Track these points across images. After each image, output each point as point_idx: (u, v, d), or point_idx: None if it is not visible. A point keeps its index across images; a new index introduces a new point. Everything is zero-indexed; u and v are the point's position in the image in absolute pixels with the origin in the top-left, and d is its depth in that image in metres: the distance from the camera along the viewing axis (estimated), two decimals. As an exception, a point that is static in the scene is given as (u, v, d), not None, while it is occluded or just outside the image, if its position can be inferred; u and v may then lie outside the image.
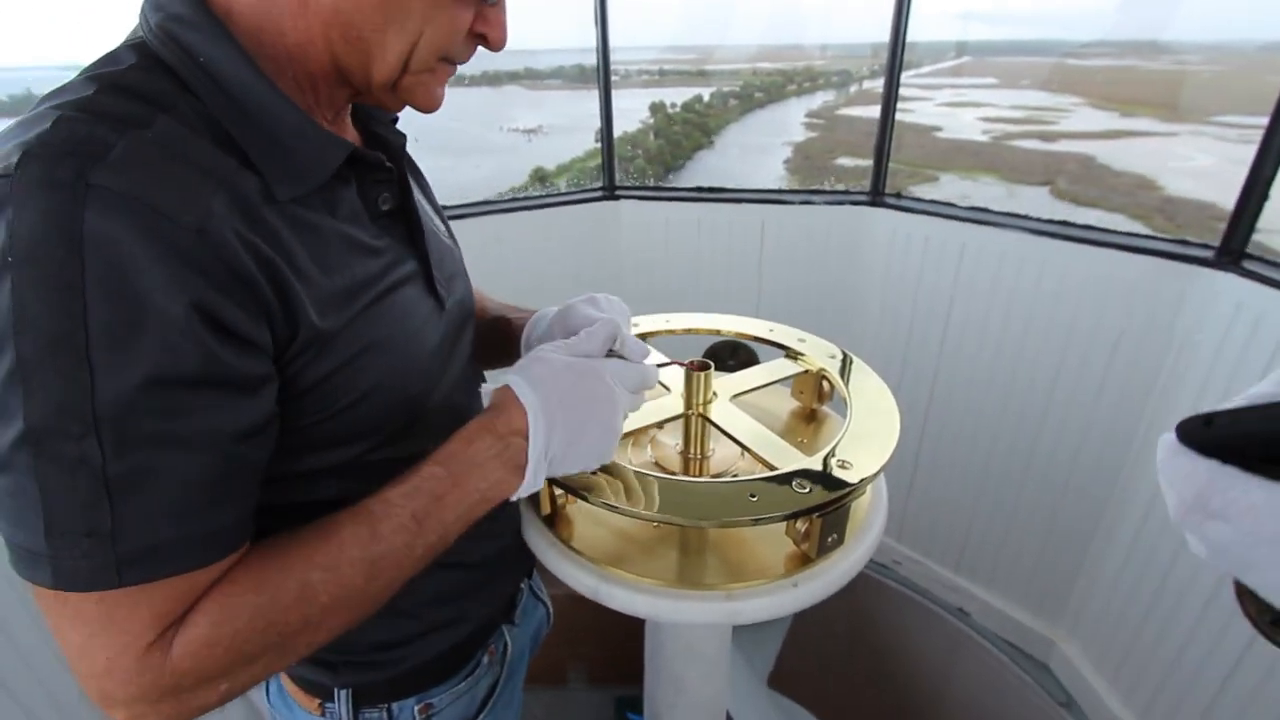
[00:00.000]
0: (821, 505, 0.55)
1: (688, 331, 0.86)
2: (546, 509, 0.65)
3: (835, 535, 0.59)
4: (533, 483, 0.50)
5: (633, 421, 0.70)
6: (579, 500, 0.61)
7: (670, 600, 0.58)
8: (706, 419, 0.70)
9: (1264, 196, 1.18)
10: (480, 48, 0.51)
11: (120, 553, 0.36)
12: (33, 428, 0.34)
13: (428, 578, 0.49)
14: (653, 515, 0.54)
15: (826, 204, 1.70)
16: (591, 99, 1.78)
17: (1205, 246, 1.25)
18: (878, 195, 1.69)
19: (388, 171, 0.53)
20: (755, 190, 1.77)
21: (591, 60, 1.74)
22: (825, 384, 0.79)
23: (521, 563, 0.72)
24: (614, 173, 1.83)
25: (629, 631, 0.78)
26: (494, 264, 1.66)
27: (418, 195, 0.60)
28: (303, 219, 0.45)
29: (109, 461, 0.35)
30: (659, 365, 0.63)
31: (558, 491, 0.64)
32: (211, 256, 0.37)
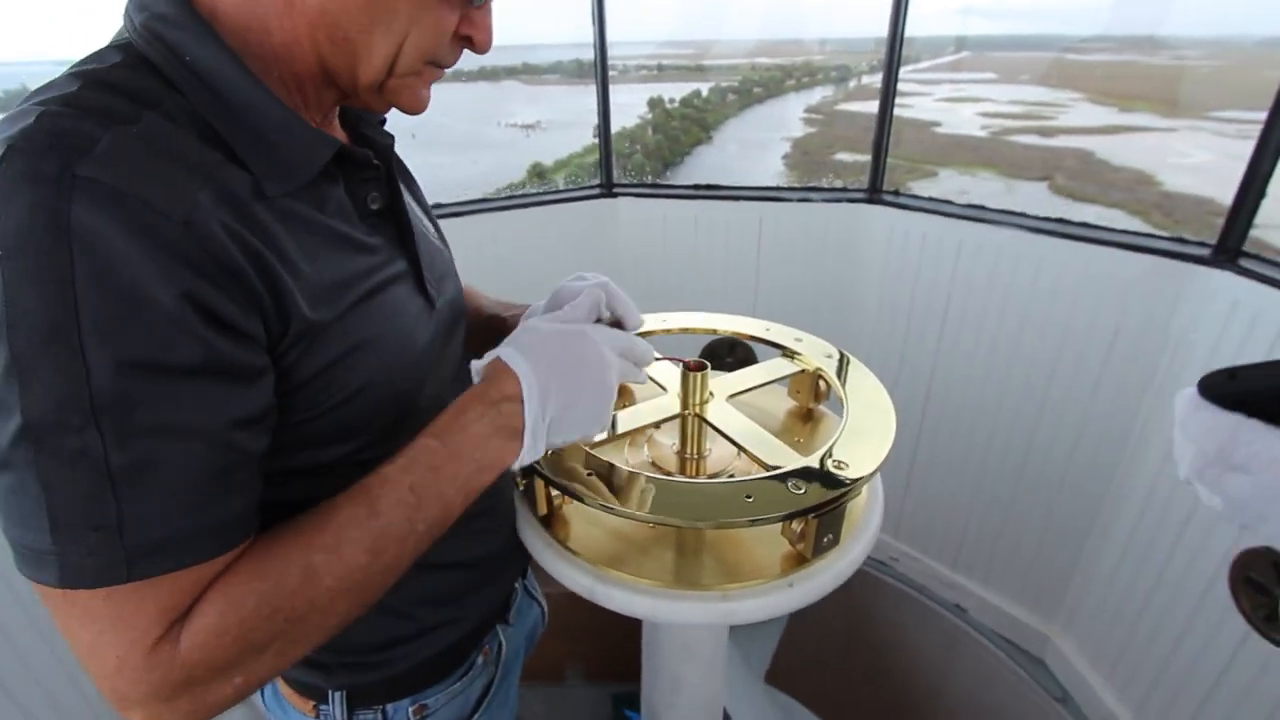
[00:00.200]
0: (817, 506, 0.55)
1: (684, 331, 0.86)
2: (543, 509, 0.65)
3: (831, 536, 0.59)
4: (532, 447, 0.49)
5: (629, 421, 0.70)
6: (575, 501, 0.61)
7: (666, 601, 0.58)
8: (703, 419, 0.70)
9: (1261, 193, 1.18)
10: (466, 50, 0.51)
11: (128, 547, 0.36)
12: (31, 422, 0.34)
13: (421, 578, 0.49)
14: (648, 516, 0.54)
15: (824, 201, 1.70)
16: (590, 94, 1.77)
17: (1202, 245, 1.25)
18: (875, 193, 1.69)
19: (375, 170, 0.53)
20: (753, 188, 1.77)
21: (590, 55, 1.74)
22: (822, 383, 0.79)
23: (516, 562, 0.72)
24: (611, 170, 1.82)
25: (626, 630, 0.78)
26: (491, 262, 1.66)
27: (407, 196, 0.59)
28: (291, 213, 0.44)
29: (110, 453, 0.35)
30: (657, 358, 0.63)
31: (554, 492, 0.64)
32: (199, 249, 0.37)
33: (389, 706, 0.62)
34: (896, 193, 1.68)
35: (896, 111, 1.67)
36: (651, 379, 0.80)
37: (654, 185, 1.86)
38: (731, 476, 0.69)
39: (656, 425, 0.72)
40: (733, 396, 0.74)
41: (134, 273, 0.34)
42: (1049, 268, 1.41)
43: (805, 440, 0.77)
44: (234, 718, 1.26)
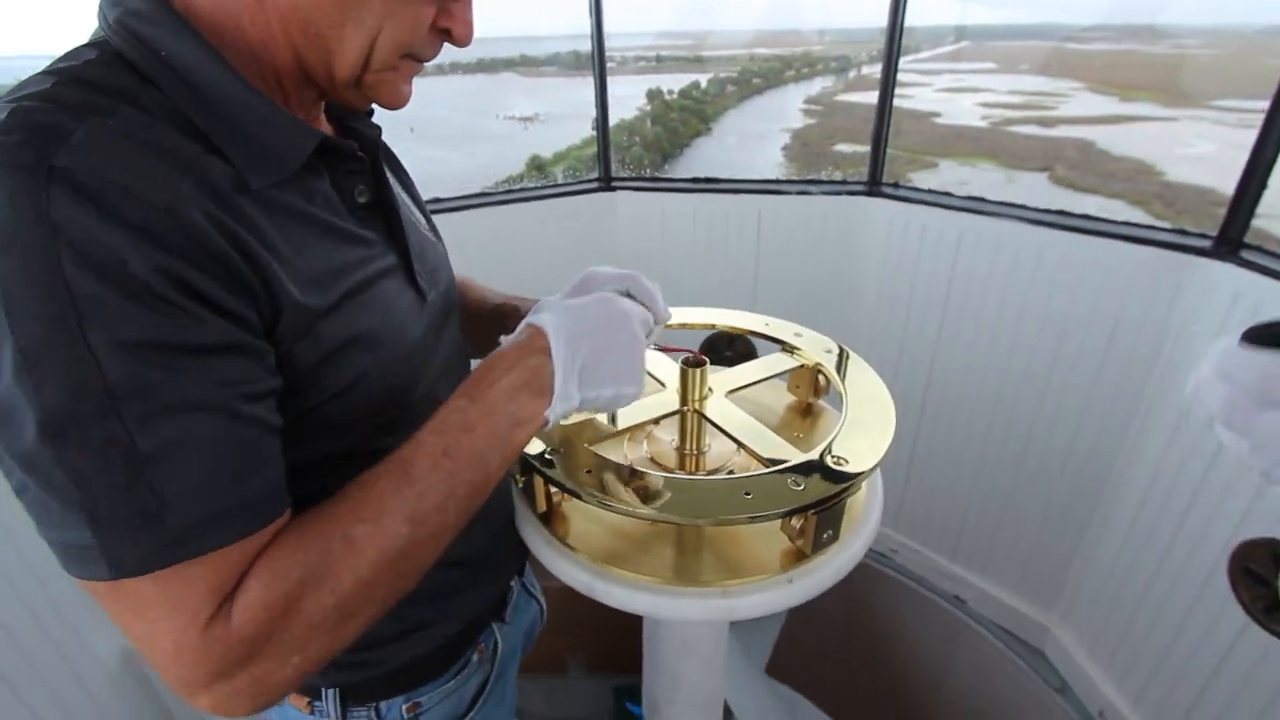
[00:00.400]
0: (816, 503, 0.55)
1: (683, 326, 0.85)
2: (542, 506, 0.65)
3: (831, 531, 0.59)
4: (564, 397, 0.48)
5: (629, 417, 0.70)
6: (573, 498, 0.61)
7: (666, 597, 0.58)
8: (702, 415, 0.70)
9: (1263, 184, 1.17)
10: (447, 44, 0.50)
11: (171, 528, 0.36)
12: (51, 418, 0.33)
13: None
14: (648, 513, 0.54)
15: (823, 194, 1.69)
16: (588, 85, 1.76)
17: (1203, 236, 1.25)
18: (875, 185, 1.68)
19: (360, 162, 0.52)
20: (752, 181, 1.76)
21: (588, 46, 1.72)
22: (821, 379, 0.79)
23: (512, 560, 0.72)
24: (609, 163, 1.81)
25: (627, 624, 0.78)
26: (490, 256, 1.65)
27: (397, 188, 0.59)
28: (277, 205, 0.44)
29: (136, 437, 0.35)
30: (658, 346, 0.63)
31: (552, 489, 0.64)
32: (182, 234, 0.36)
33: (382, 704, 0.62)
34: (896, 185, 1.67)
35: (896, 102, 1.66)
36: (650, 375, 0.80)
37: (652, 178, 1.85)
38: (731, 472, 0.69)
39: (656, 421, 0.72)
40: (732, 392, 0.74)
41: (122, 257, 0.34)
42: (1049, 260, 1.40)
43: (805, 436, 0.77)
44: (237, 713, 1.28)
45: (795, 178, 1.78)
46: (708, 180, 1.78)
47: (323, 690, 0.61)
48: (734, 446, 0.68)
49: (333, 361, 0.46)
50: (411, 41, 0.47)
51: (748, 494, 0.55)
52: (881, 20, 1.57)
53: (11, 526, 0.99)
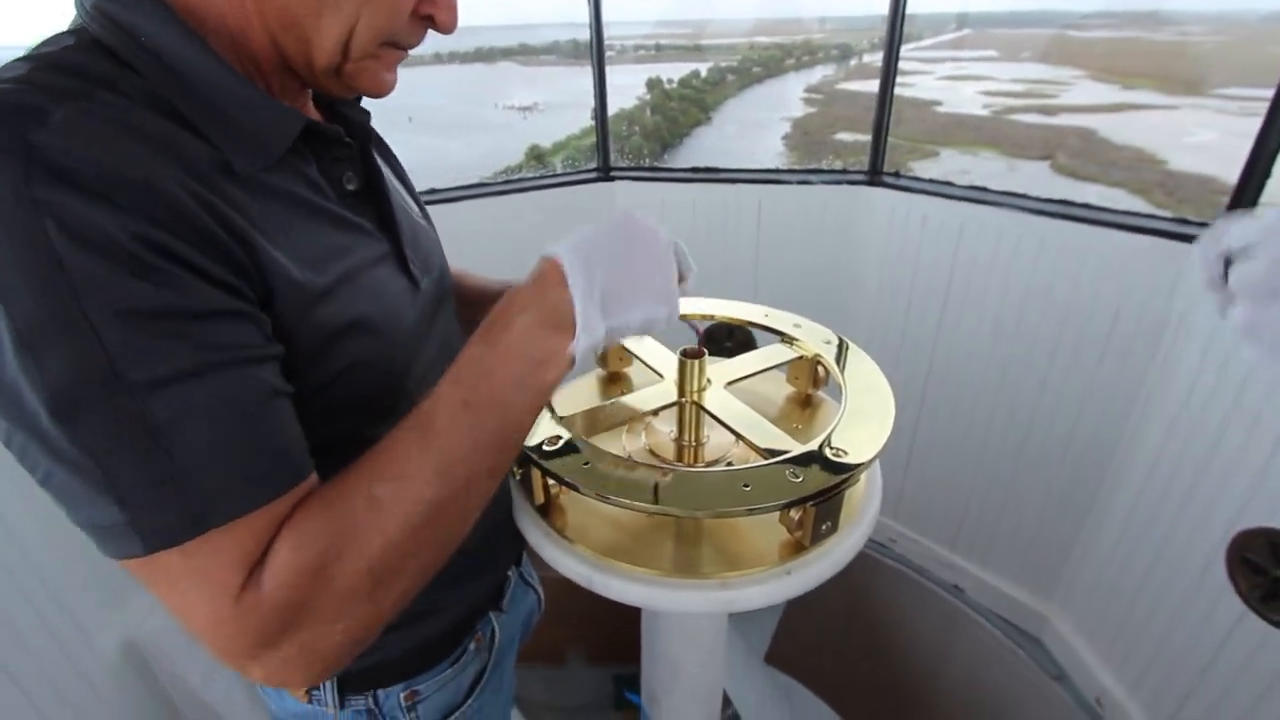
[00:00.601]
0: (815, 495, 0.55)
1: (683, 317, 0.85)
2: (540, 499, 0.65)
3: (829, 523, 0.59)
4: (587, 328, 0.45)
5: (627, 407, 0.69)
6: (572, 490, 0.61)
7: (665, 590, 0.58)
8: (700, 406, 0.69)
9: (1267, 172, 1.16)
10: (431, 30, 0.49)
11: (195, 496, 0.35)
12: (59, 396, 0.33)
13: None
14: (646, 506, 0.54)
15: (824, 183, 1.68)
16: (588, 74, 1.74)
17: (1204, 225, 1.24)
18: (876, 174, 1.67)
19: (348, 148, 0.52)
20: (751, 170, 1.75)
21: (587, 35, 1.71)
22: (820, 369, 0.79)
23: (509, 550, 0.72)
24: (609, 153, 1.80)
25: (626, 614, 0.79)
26: (488, 248, 1.64)
27: (389, 175, 0.58)
28: (263, 187, 0.43)
29: (146, 407, 0.34)
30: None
31: (550, 481, 0.64)
32: (163, 207, 0.36)
33: (380, 692, 0.62)
34: (897, 174, 1.66)
35: (898, 91, 1.64)
36: (649, 366, 0.80)
37: (651, 168, 1.84)
38: (730, 464, 0.69)
39: (654, 412, 0.72)
40: (730, 383, 0.73)
41: (106, 229, 0.34)
42: (1050, 249, 1.40)
43: (804, 427, 0.77)
44: (237, 700, 1.28)
45: (796, 167, 1.77)
46: (707, 170, 1.77)
47: None
48: (733, 438, 0.68)
49: (329, 347, 0.46)
50: (391, 29, 0.46)
51: (746, 486, 0.55)
52: (883, 7, 1.56)
53: (11, 519, 1.00)
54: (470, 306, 0.72)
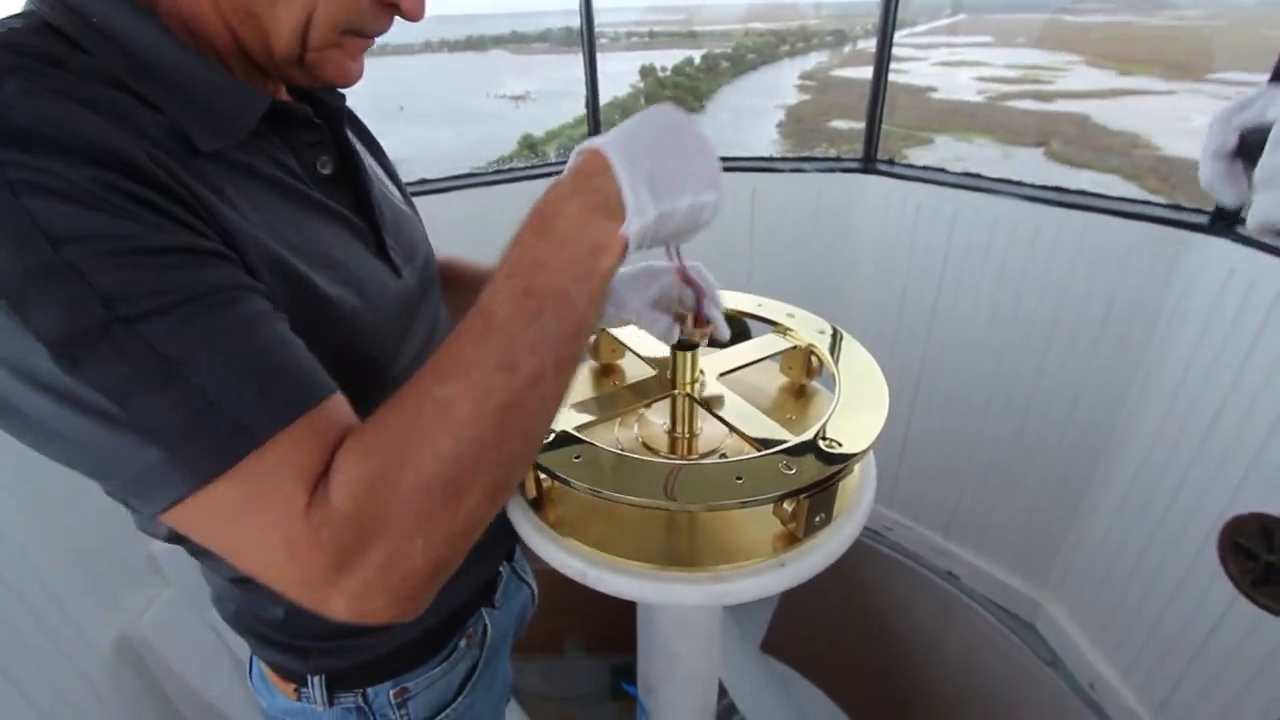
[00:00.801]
0: (808, 486, 0.54)
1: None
2: (532, 492, 0.64)
3: (823, 515, 0.59)
4: (638, 210, 0.43)
5: (619, 400, 0.69)
6: (564, 484, 0.60)
7: (659, 583, 0.57)
8: (693, 398, 0.69)
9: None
10: (398, 18, 0.48)
11: (229, 416, 0.34)
12: (64, 346, 0.32)
13: None
14: (638, 499, 0.54)
15: (818, 171, 1.67)
16: (581, 63, 1.72)
17: (1199, 212, 1.24)
18: (870, 162, 1.66)
19: (319, 131, 0.50)
20: (745, 158, 1.74)
21: (579, 22, 1.68)
22: (814, 360, 0.78)
23: (501, 545, 0.71)
24: (601, 142, 1.78)
25: (621, 606, 0.78)
26: (480, 238, 1.62)
27: (369, 161, 0.57)
28: (229, 163, 0.42)
29: (155, 341, 0.33)
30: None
31: (542, 475, 0.63)
32: (124, 163, 0.35)
33: (369, 690, 0.62)
34: (891, 162, 1.65)
35: (892, 77, 1.63)
36: (640, 357, 0.79)
37: (645, 157, 1.83)
38: (723, 456, 0.68)
39: (647, 404, 0.71)
40: (724, 374, 0.73)
41: (70, 178, 0.33)
42: (1045, 236, 1.39)
43: (797, 418, 0.77)
44: (235, 702, 1.28)
45: (790, 154, 1.76)
46: (700, 158, 1.75)
47: (308, 677, 0.60)
48: (726, 429, 0.67)
49: (305, 332, 0.45)
50: (351, 17, 0.45)
51: (739, 478, 0.54)
52: (878, -8, 1.54)
53: (6, 519, 0.99)
54: (465, 292, 0.71)
